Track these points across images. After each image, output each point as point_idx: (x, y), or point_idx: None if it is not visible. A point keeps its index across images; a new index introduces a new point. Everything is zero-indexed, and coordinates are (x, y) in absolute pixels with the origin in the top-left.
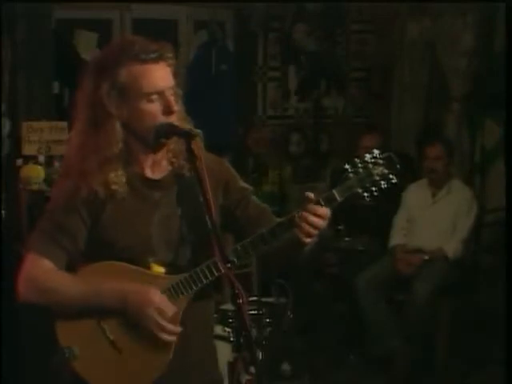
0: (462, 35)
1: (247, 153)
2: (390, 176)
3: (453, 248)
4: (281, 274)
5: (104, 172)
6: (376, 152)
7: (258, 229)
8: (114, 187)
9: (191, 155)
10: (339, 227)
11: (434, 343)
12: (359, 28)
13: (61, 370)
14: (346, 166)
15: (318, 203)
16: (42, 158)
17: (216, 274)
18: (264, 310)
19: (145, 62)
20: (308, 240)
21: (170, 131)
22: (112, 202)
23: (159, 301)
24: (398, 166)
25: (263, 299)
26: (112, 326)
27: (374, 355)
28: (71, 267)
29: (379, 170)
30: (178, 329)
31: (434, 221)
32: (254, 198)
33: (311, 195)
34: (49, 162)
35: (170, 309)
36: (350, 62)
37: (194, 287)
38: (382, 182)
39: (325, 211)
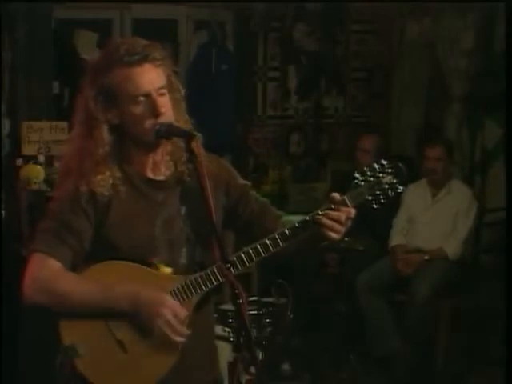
0: (462, 35)
1: (247, 153)
2: (398, 185)
3: (453, 248)
4: (281, 274)
5: (96, 174)
6: (384, 161)
7: (261, 224)
8: (99, 189)
9: (191, 155)
10: None
11: (434, 343)
12: (359, 28)
13: (65, 369)
14: (356, 175)
15: (329, 209)
16: (42, 158)
17: (221, 279)
18: (264, 310)
19: (129, 64)
20: (337, 236)
21: (169, 131)
22: (116, 203)
23: (173, 303)
24: (405, 175)
25: (263, 299)
26: (119, 326)
27: (374, 355)
28: (75, 267)
29: (388, 178)
30: (188, 332)
31: (434, 221)
32: (253, 193)
33: (337, 195)
34: (49, 162)
35: (182, 311)
36: (350, 62)
37: (200, 290)
38: (390, 191)
39: (349, 210)
